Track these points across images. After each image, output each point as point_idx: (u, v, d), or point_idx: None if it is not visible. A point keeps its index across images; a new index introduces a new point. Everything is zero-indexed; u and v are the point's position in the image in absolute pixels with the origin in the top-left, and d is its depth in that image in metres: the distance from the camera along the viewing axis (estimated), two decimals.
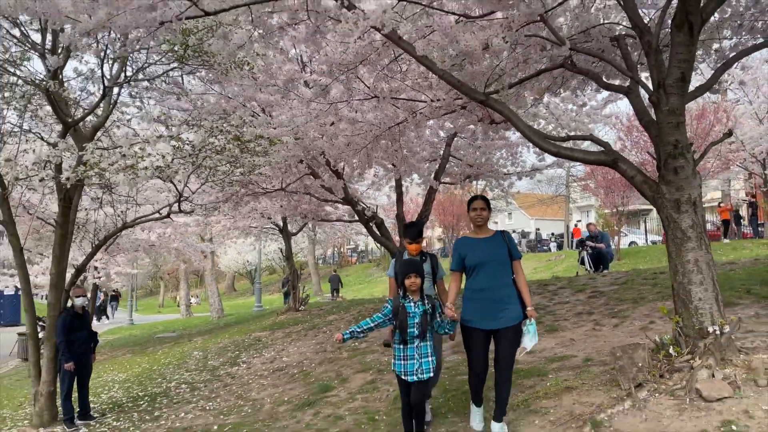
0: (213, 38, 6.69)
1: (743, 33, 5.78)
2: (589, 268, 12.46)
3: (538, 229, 43.25)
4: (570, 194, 37.92)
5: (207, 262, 23.91)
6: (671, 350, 4.17)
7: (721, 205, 24.54)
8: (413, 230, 4.87)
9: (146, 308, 47.79)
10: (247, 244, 33.36)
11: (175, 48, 6.54)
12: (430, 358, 4.04)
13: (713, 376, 3.80)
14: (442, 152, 11.37)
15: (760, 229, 22.27)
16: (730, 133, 4.87)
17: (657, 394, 3.87)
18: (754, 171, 20.82)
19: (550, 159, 12.61)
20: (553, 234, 39.31)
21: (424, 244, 5.11)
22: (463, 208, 35.31)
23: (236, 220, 15.19)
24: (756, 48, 5.52)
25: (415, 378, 4.01)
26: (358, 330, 4.05)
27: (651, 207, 27.33)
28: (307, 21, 5.32)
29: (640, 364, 4.12)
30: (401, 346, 4.04)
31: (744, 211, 24.58)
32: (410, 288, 4.03)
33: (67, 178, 5.81)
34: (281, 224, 16.41)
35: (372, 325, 4.06)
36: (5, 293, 31.72)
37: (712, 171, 17.37)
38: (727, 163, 20.15)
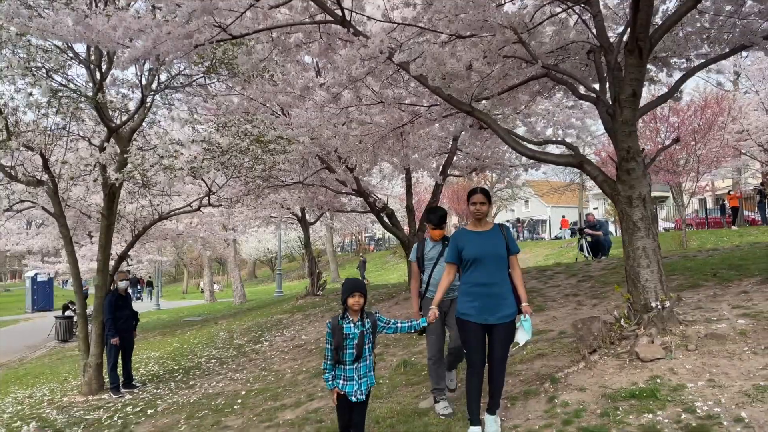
0: (239, 52, 7.60)
1: (707, 45, 6.51)
2: (587, 255, 13.20)
3: (531, 219, 44.35)
4: (584, 182, 38.42)
5: (230, 250, 24.99)
6: (623, 322, 4.99)
7: (731, 192, 24.99)
8: (435, 216, 4.83)
9: (170, 294, 49.30)
10: (268, 233, 34.52)
11: (204, 62, 7.42)
12: (369, 374, 3.93)
13: (653, 342, 4.61)
14: (450, 146, 12.16)
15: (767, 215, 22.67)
16: (677, 140, 5.62)
17: (606, 357, 4.70)
18: (761, 160, 21.26)
19: (557, 149, 13.33)
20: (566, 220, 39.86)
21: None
22: None
23: (257, 210, 16.17)
24: (716, 59, 6.25)
25: (354, 399, 3.85)
26: (331, 370, 3.90)
27: (667, 194, 27.81)
28: (320, 40, 6.16)
29: (596, 334, 4.95)
30: (341, 366, 3.87)
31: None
32: (352, 307, 3.84)
33: (116, 178, 6.75)
34: (300, 214, 17.36)
35: (332, 360, 3.88)
36: (38, 280, 33.25)
37: (714, 161, 17.82)
38: (738, 153, 20.62)
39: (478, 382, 4.10)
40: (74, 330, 19.72)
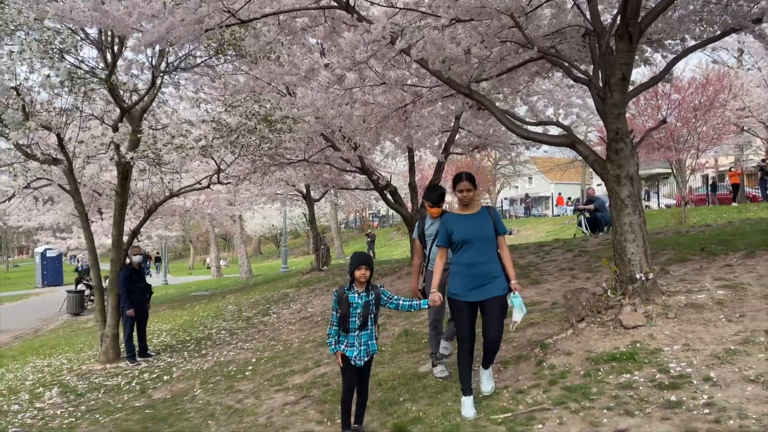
0: (246, 34, 7.85)
1: (700, 27, 6.73)
2: (585, 231, 13.51)
3: (529, 197, 45.44)
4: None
5: (236, 226, 25.38)
6: (609, 293, 5.32)
7: (732, 169, 25.18)
8: (435, 194, 5.01)
9: (177, 270, 49.93)
10: (273, 210, 34.95)
11: (212, 44, 7.68)
12: (370, 342, 4.18)
13: (635, 311, 4.95)
14: (452, 125, 12.40)
15: (767, 192, 22.86)
16: (664, 121, 5.89)
17: (592, 325, 5.05)
18: (762, 137, 21.42)
19: (556, 130, 13.56)
20: (570, 198, 40.19)
21: (445, 206, 5.58)
22: (480, 173, 36.24)
23: (263, 187, 16.48)
24: (707, 42, 6.48)
25: (353, 363, 4.13)
26: (335, 335, 4.17)
27: (668, 171, 28.10)
28: (325, 24, 6.41)
29: (584, 304, 5.29)
30: (345, 335, 4.14)
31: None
32: (359, 279, 4.10)
33: (132, 157, 7.08)
34: (305, 191, 17.68)
35: (336, 327, 4.17)
36: (48, 255, 33.78)
37: (715, 138, 17.99)
38: (739, 130, 20.76)
39: (469, 357, 4.34)
40: (86, 304, 20.30)
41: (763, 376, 3.71)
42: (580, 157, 27.14)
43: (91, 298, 21.79)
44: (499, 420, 4.01)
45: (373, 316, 4.20)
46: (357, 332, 4.12)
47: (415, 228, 5.31)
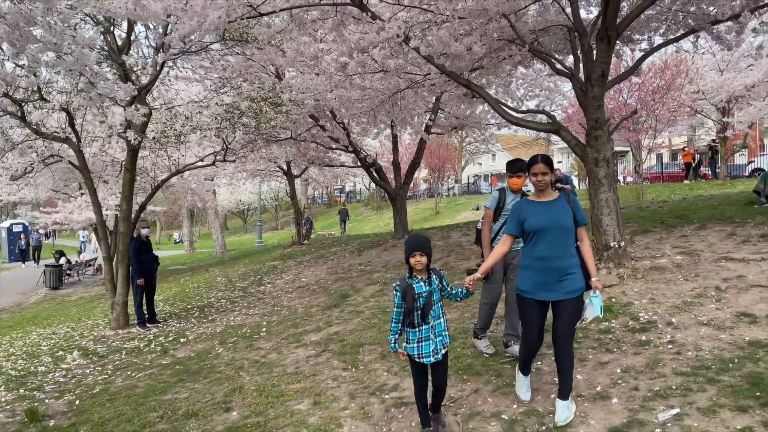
0: (255, 24, 8.41)
1: (666, 25, 7.64)
2: None
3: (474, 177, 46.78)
4: (550, 137, 39.99)
5: (211, 201, 25.76)
6: None
7: (685, 149, 26.77)
8: (514, 165, 4.69)
9: None
10: (241, 185, 35.21)
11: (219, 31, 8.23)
12: (445, 332, 3.80)
13: (610, 273, 5.91)
14: (432, 106, 13.19)
15: (717, 170, 24.51)
16: (635, 112, 6.79)
17: None
18: (714, 119, 22.91)
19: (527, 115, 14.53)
20: None
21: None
22: (448, 152, 37.20)
23: (246, 163, 17.00)
24: (672, 41, 7.39)
25: (431, 359, 3.72)
26: (396, 332, 3.76)
27: (627, 149, 29.52)
28: (334, 17, 7.08)
29: None
30: (413, 330, 3.71)
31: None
32: (416, 267, 3.65)
33: (154, 138, 7.64)
34: (285, 167, 18.25)
35: (397, 323, 3.75)
36: (14, 230, 33.36)
37: (671, 119, 19.29)
38: (693, 112, 22.18)
39: (530, 354, 4.08)
40: (63, 278, 20.53)
41: (714, 320, 4.69)
42: (543, 136, 28.36)
43: (69, 272, 22.03)
44: (503, 360, 4.91)
45: (441, 303, 3.80)
46: (432, 322, 3.71)
47: (491, 199, 5.03)
